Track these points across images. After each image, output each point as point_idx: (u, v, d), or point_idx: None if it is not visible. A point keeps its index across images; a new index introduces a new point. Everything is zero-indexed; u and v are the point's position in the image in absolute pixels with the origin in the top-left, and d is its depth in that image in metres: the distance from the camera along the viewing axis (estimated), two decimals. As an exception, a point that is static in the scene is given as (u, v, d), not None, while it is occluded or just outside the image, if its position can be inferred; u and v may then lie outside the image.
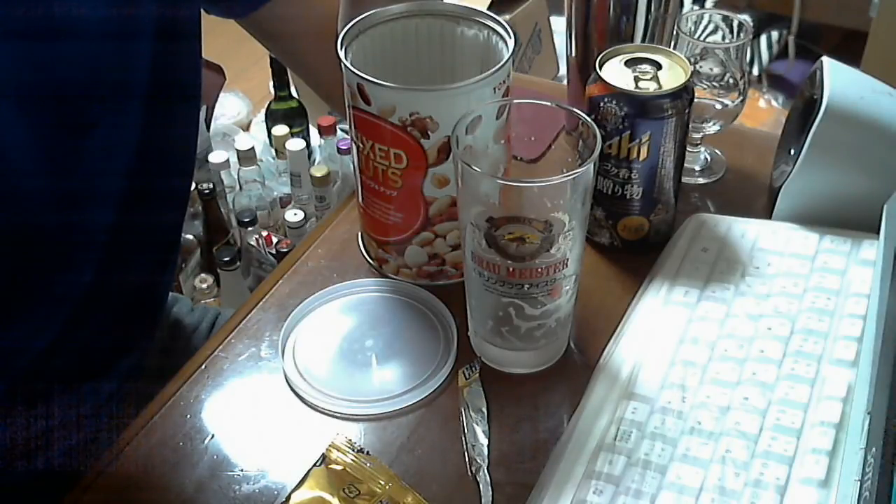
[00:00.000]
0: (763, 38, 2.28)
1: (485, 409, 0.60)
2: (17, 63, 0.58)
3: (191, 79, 0.73)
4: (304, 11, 0.81)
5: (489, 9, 0.68)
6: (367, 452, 0.57)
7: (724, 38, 0.82)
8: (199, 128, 1.46)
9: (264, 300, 0.70)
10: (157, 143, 0.68)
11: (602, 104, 0.64)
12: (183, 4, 0.68)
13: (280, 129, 1.68)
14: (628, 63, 0.66)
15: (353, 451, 0.57)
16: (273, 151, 1.74)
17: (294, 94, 1.80)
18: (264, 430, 0.61)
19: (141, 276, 0.74)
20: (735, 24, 0.77)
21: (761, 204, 0.75)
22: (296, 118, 1.78)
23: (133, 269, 0.72)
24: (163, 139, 0.70)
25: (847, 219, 0.69)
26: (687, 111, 0.65)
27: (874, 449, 0.48)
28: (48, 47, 0.59)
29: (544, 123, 0.60)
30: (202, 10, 0.73)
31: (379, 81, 0.60)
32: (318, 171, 1.57)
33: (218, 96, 1.78)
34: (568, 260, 0.57)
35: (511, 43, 0.64)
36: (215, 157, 1.61)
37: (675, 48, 0.72)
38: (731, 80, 0.75)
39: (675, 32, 0.74)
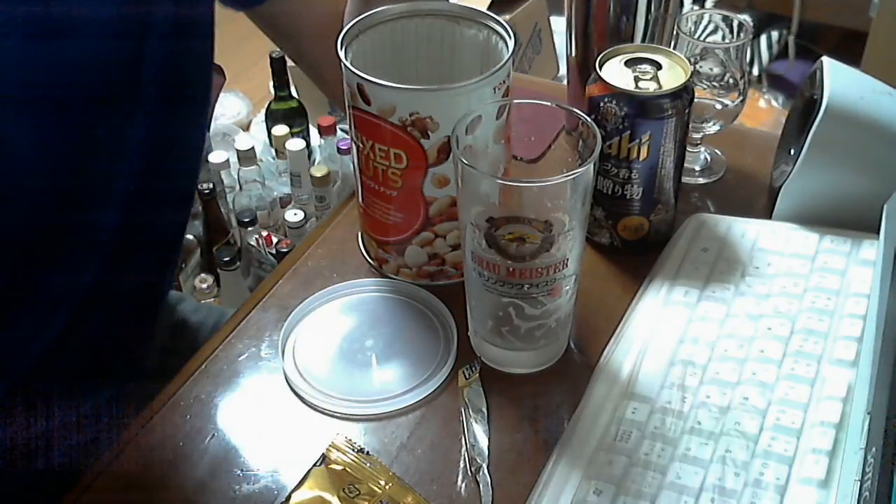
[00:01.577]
0: (763, 38, 2.28)
1: (485, 409, 0.60)
2: (25, 62, 0.58)
3: (200, 79, 0.73)
4: (307, 10, 0.81)
5: (489, 9, 0.68)
6: (367, 452, 0.57)
7: (724, 38, 0.82)
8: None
9: (264, 300, 0.70)
10: (163, 144, 0.68)
11: (602, 104, 0.64)
12: (200, 2, 0.68)
13: (280, 129, 1.68)
14: (628, 63, 0.66)
15: (353, 451, 0.57)
16: (273, 151, 1.74)
17: (294, 94, 1.80)
18: (264, 430, 0.61)
19: (142, 275, 0.74)
20: (735, 24, 0.77)
21: (761, 204, 0.75)
22: (296, 118, 1.78)
23: (134, 269, 0.72)
24: (170, 140, 0.69)
25: (847, 219, 0.69)
26: (687, 111, 0.65)
27: (874, 449, 0.48)
28: (57, 46, 0.59)
29: (544, 123, 0.60)
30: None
31: (379, 81, 0.60)
32: (318, 171, 1.57)
33: (218, 96, 1.78)
34: (568, 260, 0.57)
35: (511, 43, 0.64)
36: (215, 157, 1.61)
37: (675, 48, 0.72)
38: (731, 80, 0.75)
39: (675, 32, 0.74)
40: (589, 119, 0.56)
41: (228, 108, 2.11)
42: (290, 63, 1.75)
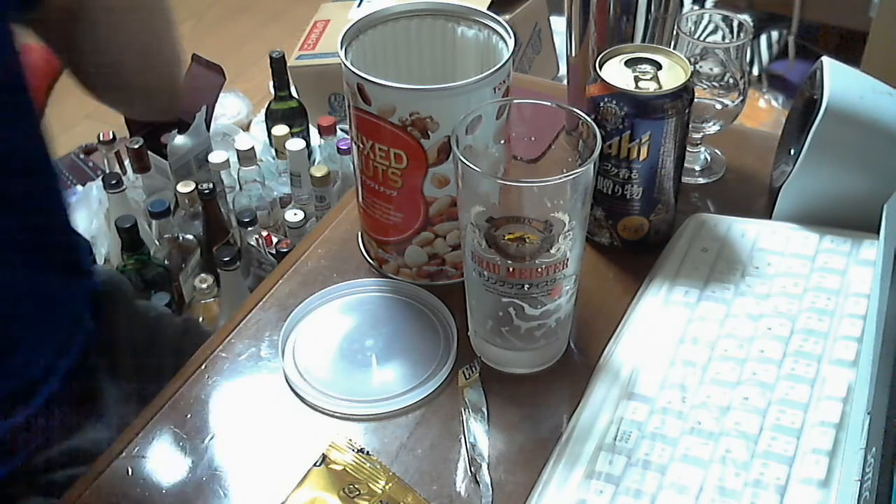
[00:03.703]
0: (763, 38, 2.27)
1: (485, 409, 0.60)
2: None
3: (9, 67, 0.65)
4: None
5: (489, 9, 0.68)
6: (367, 452, 0.57)
7: (724, 38, 0.82)
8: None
9: (264, 300, 0.70)
10: None
11: (602, 104, 0.64)
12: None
13: (280, 129, 1.68)
14: (628, 63, 0.66)
15: (353, 451, 0.57)
16: (273, 151, 1.74)
17: (294, 94, 1.80)
18: (264, 430, 0.61)
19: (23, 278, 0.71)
20: (735, 24, 0.77)
21: (761, 204, 0.75)
22: (296, 118, 1.78)
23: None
24: None
25: (847, 219, 0.69)
26: (687, 111, 0.65)
27: (874, 449, 0.48)
28: None
29: (544, 123, 0.60)
30: None
31: (379, 81, 0.60)
32: (318, 171, 1.57)
33: (218, 96, 1.77)
34: (568, 260, 0.57)
35: (511, 43, 0.64)
36: (215, 157, 1.61)
37: (675, 48, 0.72)
38: (731, 80, 0.75)
39: (675, 32, 0.74)
40: (589, 119, 0.56)
41: (228, 108, 2.11)
42: (290, 63, 1.75)
